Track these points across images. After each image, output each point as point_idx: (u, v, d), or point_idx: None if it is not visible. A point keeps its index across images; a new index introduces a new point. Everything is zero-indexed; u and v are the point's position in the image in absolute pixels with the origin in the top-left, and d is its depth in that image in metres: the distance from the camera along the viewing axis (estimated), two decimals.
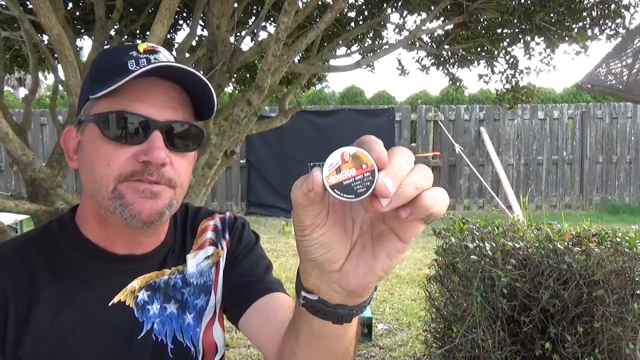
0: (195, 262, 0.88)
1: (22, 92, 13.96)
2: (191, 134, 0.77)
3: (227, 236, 0.93)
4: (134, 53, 0.76)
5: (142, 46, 0.77)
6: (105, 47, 2.82)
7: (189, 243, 0.90)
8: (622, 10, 2.67)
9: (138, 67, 0.72)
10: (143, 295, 0.82)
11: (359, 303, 0.54)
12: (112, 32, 2.91)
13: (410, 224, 0.47)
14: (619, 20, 2.69)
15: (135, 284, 0.81)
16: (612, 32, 2.72)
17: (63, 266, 0.78)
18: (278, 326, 0.76)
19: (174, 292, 0.85)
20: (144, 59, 0.74)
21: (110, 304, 0.79)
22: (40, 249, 0.79)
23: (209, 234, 0.91)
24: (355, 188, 0.44)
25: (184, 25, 3.42)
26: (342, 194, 0.44)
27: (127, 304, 0.80)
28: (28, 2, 2.64)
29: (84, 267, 0.79)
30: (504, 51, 3.25)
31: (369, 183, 0.44)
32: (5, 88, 9.05)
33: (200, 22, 2.96)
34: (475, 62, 3.41)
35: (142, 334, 0.80)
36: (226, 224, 0.94)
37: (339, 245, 0.49)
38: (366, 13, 3.31)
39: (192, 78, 0.75)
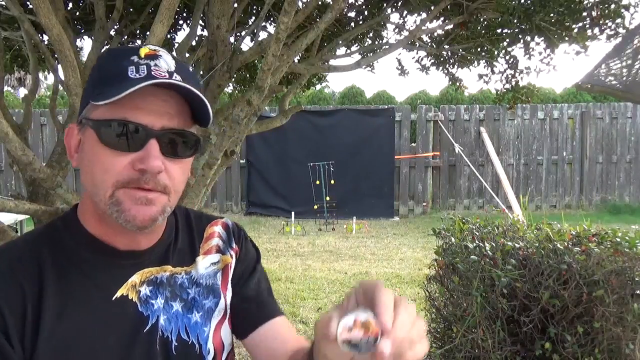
0: (203, 265, 0.92)
1: (22, 92, 13.96)
2: (187, 140, 0.80)
3: (234, 245, 0.97)
4: (135, 58, 0.77)
5: (143, 50, 0.79)
6: (106, 46, 2.83)
7: (197, 246, 0.94)
8: (622, 10, 2.66)
9: (138, 75, 0.75)
10: (145, 290, 0.84)
11: None
12: (112, 32, 2.91)
13: None
14: (619, 20, 2.68)
15: (136, 278, 0.84)
16: (612, 32, 2.72)
17: (67, 261, 0.80)
18: (282, 358, 0.90)
19: (180, 291, 0.88)
20: (144, 66, 0.76)
21: (114, 298, 0.81)
22: (47, 244, 0.81)
23: (216, 241, 0.96)
24: (360, 346, 0.58)
25: (184, 25, 3.42)
26: (348, 348, 0.58)
27: (130, 298, 0.82)
28: (28, 2, 2.64)
29: (88, 262, 0.81)
30: (504, 51, 3.25)
31: (372, 344, 0.57)
32: (5, 88, 9.06)
33: (200, 22, 2.96)
34: (475, 62, 3.41)
35: (147, 327, 0.82)
36: (231, 233, 0.98)
37: (348, 354, 0.61)
38: (366, 13, 3.31)
39: (188, 91, 0.77)
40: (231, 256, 0.96)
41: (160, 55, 0.79)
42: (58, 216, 0.88)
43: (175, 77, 0.77)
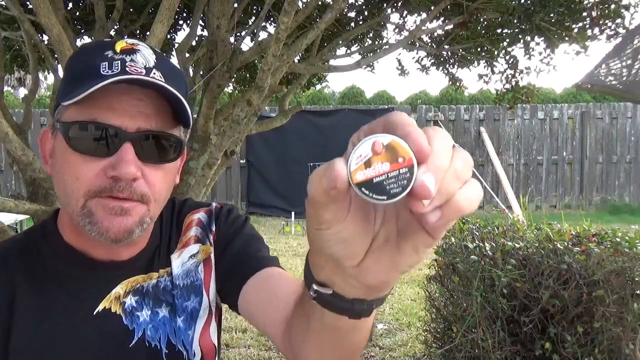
0: (180, 262, 0.83)
1: (22, 92, 13.96)
2: (166, 143, 0.72)
3: (213, 228, 0.87)
4: (109, 53, 0.70)
5: (119, 44, 0.71)
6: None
7: (174, 242, 0.85)
8: (622, 10, 2.66)
9: (110, 72, 0.67)
10: (130, 300, 0.77)
11: (379, 297, 0.48)
12: (112, 32, 2.91)
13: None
14: (619, 20, 2.68)
15: (120, 289, 0.77)
16: (612, 32, 2.72)
17: (45, 274, 0.75)
18: (282, 306, 0.68)
19: (164, 295, 0.81)
20: (119, 62, 0.68)
21: (95, 312, 0.75)
22: (21, 256, 0.76)
23: (194, 231, 0.86)
24: (388, 187, 0.35)
25: (184, 25, 3.42)
26: (371, 194, 0.36)
27: (113, 310, 0.76)
28: (28, 2, 2.64)
29: (66, 275, 0.76)
30: (504, 51, 3.25)
31: (405, 181, 0.35)
32: (5, 88, 9.05)
33: (200, 22, 2.96)
34: (475, 62, 3.41)
35: (133, 342, 0.76)
36: (212, 216, 0.88)
37: (360, 239, 0.41)
38: (366, 13, 3.31)
39: (165, 89, 0.69)
40: (210, 243, 0.85)
41: (138, 50, 0.71)
42: (37, 224, 0.82)
43: (154, 73, 0.70)
